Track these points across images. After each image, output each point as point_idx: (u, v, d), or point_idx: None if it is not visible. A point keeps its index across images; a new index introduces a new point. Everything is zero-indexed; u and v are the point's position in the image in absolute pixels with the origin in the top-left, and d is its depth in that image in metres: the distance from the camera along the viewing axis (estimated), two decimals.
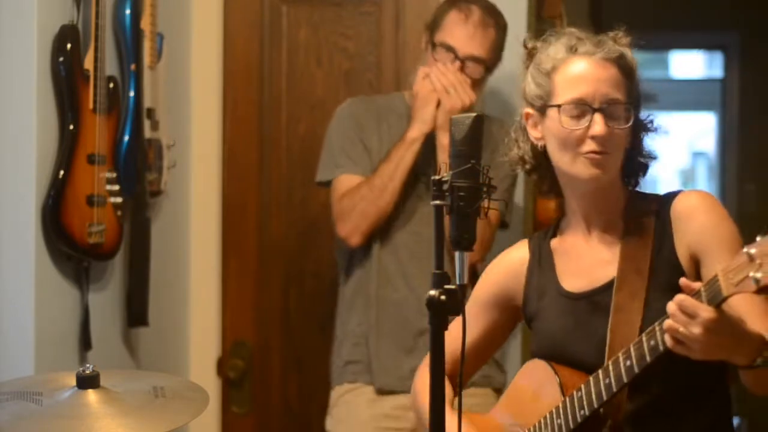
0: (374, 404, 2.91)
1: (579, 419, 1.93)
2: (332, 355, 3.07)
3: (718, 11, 6.57)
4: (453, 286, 1.67)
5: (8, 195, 2.52)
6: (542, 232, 2.21)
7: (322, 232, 3.35)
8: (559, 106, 1.99)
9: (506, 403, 2.19)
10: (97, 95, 2.61)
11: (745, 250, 1.68)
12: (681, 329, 1.75)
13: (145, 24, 2.91)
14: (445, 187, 1.70)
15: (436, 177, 1.71)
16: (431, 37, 2.90)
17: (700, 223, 1.99)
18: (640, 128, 2.06)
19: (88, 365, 1.89)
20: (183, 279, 3.46)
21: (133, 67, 2.85)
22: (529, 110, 2.07)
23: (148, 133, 2.95)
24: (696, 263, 1.98)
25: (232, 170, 3.50)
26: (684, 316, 1.74)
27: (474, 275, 2.43)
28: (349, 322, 2.99)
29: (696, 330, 1.73)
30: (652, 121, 2.09)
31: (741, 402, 5.94)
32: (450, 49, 2.85)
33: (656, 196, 2.08)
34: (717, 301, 1.73)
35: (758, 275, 1.64)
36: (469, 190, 1.70)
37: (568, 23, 3.39)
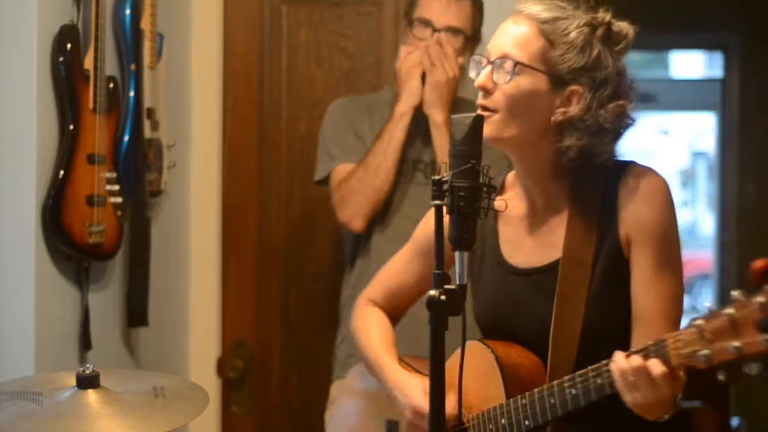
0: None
1: (523, 428, 1.93)
2: (335, 348, 3.07)
3: (718, 11, 6.56)
4: (453, 286, 1.67)
5: (8, 195, 2.52)
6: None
7: (322, 232, 3.35)
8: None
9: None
10: (97, 95, 2.61)
11: (696, 321, 1.66)
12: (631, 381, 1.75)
13: (145, 24, 2.91)
14: (445, 187, 1.70)
15: (436, 177, 1.71)
16: (409, 17, 2.95)
17: (643, 210, 1.94)
18: (585, 111, 1.94)
19: (88, 365, 1.90)
20: (183, 279, 3.46)
21: (133, 67, 2.85)
22: None
23: (148, 133, 2.95)
24: (629, 245, 1.96)
25: (232, 170, 3.50)
26: (634, 373, 1.74)
27: None
28: (351, 312, 2.99)
29: (645, 385, 1.74)
30: (616, 114, 1.95)
31: (741, 402, 5.96)
32: (427, 23, 2.90)
33: (604, 167, 1.99)
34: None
35: (706, 353, 1.64)
36: (469, 190, 1.70)
37: None
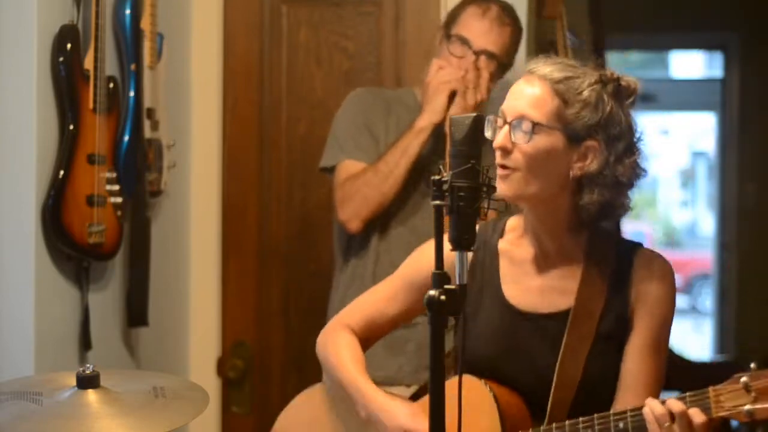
0: None
1: None
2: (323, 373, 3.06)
3: (718, 11, 6.57)
4: (453, 286, 1.67)
5: (8, 195, 2.52)
6: (486, 225, 2.19)
7: (323, 232, 3.35)
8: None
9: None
10: (97, 95, 2.61)
11: (742, 378, 1.75)
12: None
13: (145, 24, 2.91)
14: (445, 187, 1.70)
15: (436, 177, 1.71)
16: (447, 31, 2.89)
17: (654, 289, 2.03)
18: (603, 167, 2.00)
19: (88, 365, 1.89)
20: (183, 279, 3.46)
21: (133, 67, 2.85)
22: None
23: (148, 133, 2.95)
24: (634, 314, 2.04)
25: (232, 170, 3.50)
26: (676, 418, 1.79)
27: None
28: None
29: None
30: (632, 168, 2.02)
31: None
32: (465, 41, 2.84)
33: (613, 238, 2.11)
34: None
35: (751, 408, 1.73)
36: (469, 190, 1.70)
37: (568, 23, 3.39)
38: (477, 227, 2.13)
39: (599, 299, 2.03)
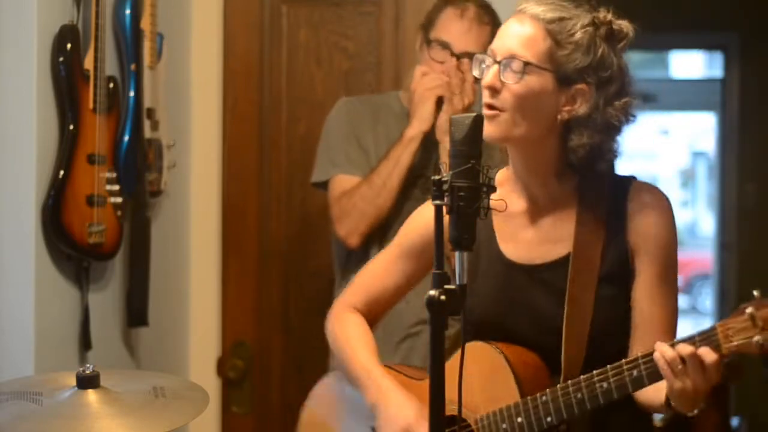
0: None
1: (545, 425, 1.93)
2: (330, 358, 3.06)
3: (718, 11, 6.56)
4: (453, 286, 1.67)
5: (8, 195, 2.52)
6: None
7: (322, 232, 3.35)
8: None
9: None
10: (97, 95, 2.61)
11: (747, 310, 1.70)
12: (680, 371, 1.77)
13: (145, 24, 2.91)
14: (445, 187, 1.70)
15: (436, 177, 1.71)
16: (426, 36, 2.87)
17: (652, 223, 1.99)
18: (593, 110, 1.97)
19: (88, 365, 1.89)
20: (183, 279, 3.46)
21: (133, 67, 2.85)
22: None
23: (148, 133, 2.95)
24: (635, 255, 2.00)
25: (232, 170, 3.50)
26: (687, 360, 1.76)
27: None
28: None
29: (696, 373, 1.76)
30: (622, 111, 1.99)
31: (741, 402, 5.95)
32: (445, 45, 2.82)
33: (606, 178, 2.04)
34: None
35: (760, 339, 1.69)
36: (469, 190, 1.70)
37: None
38: None
39: (597, 242, 1.99)
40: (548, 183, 2.04)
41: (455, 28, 2.82)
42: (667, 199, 2.03)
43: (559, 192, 2.04)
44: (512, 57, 1.96)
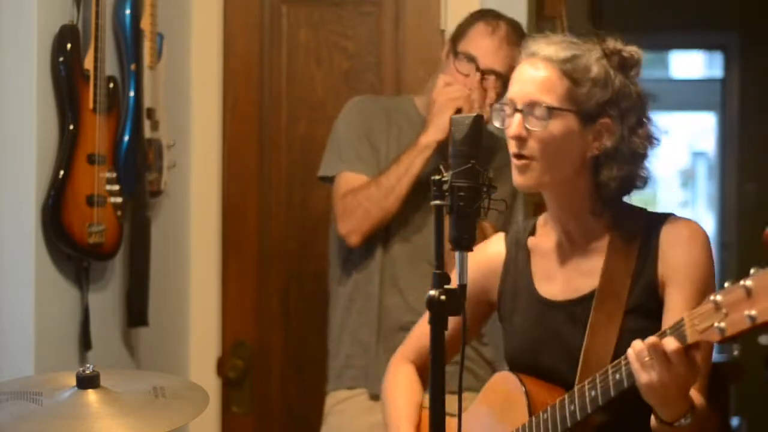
0: (369, 412, 2.87)
1: None
2: (329, 359, 3.05)
3: (718, 11, 6.56)
4: (453, 287, 1.67)
5: (8, 195, 2.52)
6: (519, 226, 2.20)
7: (322, 233, 3.34)
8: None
9: (473, 413, 2.16)
10: (97, 95, 2.61)
11: (711, 297, 1.65)
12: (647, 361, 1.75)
13: (145, 24, 2.91)
14: (445, 187, 1.70)
15: (436, 177, 1.71)
16: (454, 46, 2.86)
17: (681, 253, 1.97)
18: (619, 142, 1.98)
19: (88, 365, 1.89)
20: (183, 279, 3.46)
21: (133, 67, 2.85)
22: None
23: (148, 133, 2.95)
24: (665, 287, 1.98)
25: (232, 170, 3.50)
26: (649, 351, 1.74)
27: None
28: (347, 325, 2.97)
29: (661, 364, 1.73)
30: (646, 138, 2.01)
31: (741, 402, 5.95)
32: (472, 59, 2.81)
33: (644, 213, 2.06)
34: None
35: (722, 325, 1.63)
36: (469, 190, 1.70)
37: (568, 23, 3.39)
38: (514, 229, 2.15)
39: (626, 274, 1.97)
40: (583, 219, 2.04)
41: (484, 44, 2.82)
42: (701, 232, 2.00)
43: (593, 227, 2.04)
44: (533, 103, 1.95)
